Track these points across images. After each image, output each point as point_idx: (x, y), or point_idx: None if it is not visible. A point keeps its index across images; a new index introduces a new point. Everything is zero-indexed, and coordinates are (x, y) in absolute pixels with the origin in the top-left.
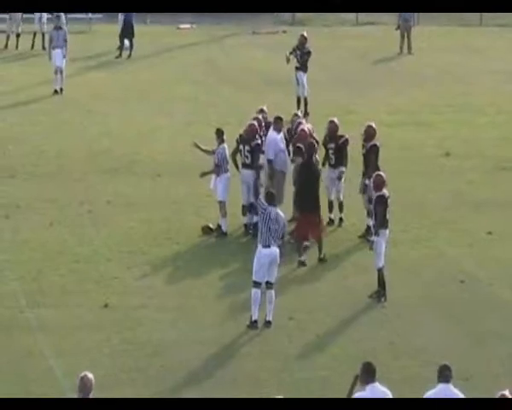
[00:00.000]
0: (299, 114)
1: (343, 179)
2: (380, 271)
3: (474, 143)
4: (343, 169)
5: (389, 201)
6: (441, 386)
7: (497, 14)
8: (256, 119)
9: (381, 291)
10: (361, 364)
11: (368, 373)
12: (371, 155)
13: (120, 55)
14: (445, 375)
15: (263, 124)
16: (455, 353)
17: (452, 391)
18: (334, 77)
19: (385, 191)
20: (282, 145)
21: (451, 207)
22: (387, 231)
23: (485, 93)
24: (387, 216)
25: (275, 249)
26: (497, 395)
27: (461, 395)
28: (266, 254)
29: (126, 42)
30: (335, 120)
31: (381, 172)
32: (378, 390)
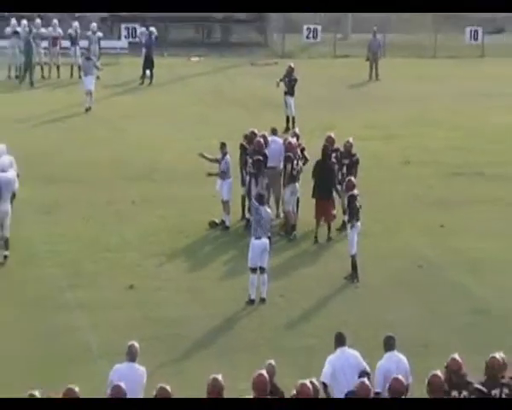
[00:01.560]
0: (297, 131)
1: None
2: (353, 257)
3: (430, 153)
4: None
5: (358, 198)
6: (388, 354)
7: (448, 48)
8: (263, 136)
9: (353, 274)
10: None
11: (339, 340)
12: (356, 165)
13: (143, 82)
14: (389, 344)
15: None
16: (416, 324)
17: (398, 356)
18: (316, 99)
19: (355, 191)
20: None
21: (412, 206)
22: (359, 224)
23: (438, 111)
24: (358, 211)
25: (265, 240)
26: (448, 360)
27: (404, 359)
28: (258, 245)
29: (148, 72)
30: (351, 139)
31: (352, 177)
32: (348, 352)
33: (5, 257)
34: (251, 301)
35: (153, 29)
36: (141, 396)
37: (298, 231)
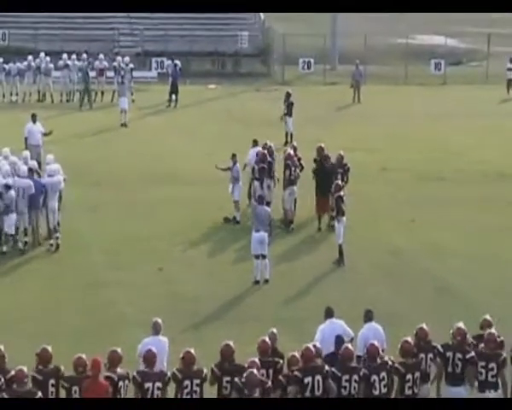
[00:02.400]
0: (295, 144)
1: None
2: (340, 246)
3: (403, 162)
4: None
5: (344, 198)
6: (368, 324)
7: (417, 76)
8: (265, 148)
9: (340, 259)
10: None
11: (328, 313)
12: (347, 173)
13: (169, 105)
14: (368, 316)
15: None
16: (390, 300)
17: (375, 326)
18: (309, 118)
19: (341, 193)
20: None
21: (388, 204)
22: (344, 218)
23: (409, 129)
24: (343, 208)
25: (263, 233)
26: (417, 328)
27: (380, 329)
28: (256, 237)
29: (173, 96)
30: (342, 152)
31: (339, 182)
32: (335, 323)
33: (57, 245)
34: (256, 282)
35: (177, 62)
36: (165, 361)
37: (294, 225)
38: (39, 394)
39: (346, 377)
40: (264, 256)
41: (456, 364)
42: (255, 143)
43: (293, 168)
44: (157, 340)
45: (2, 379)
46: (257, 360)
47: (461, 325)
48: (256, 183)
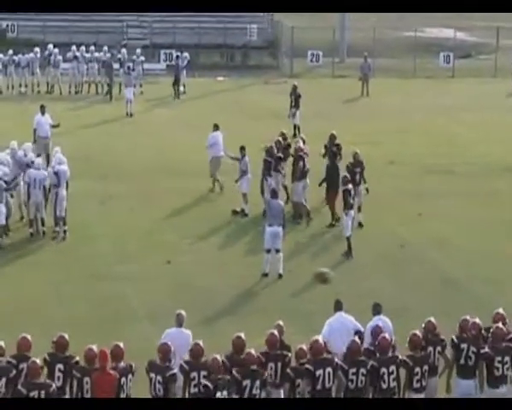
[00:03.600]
0: (303, 136)
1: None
2: (347, 238)
3: (410, 156)
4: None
5: (351, 192)
6: (376, 317)
7: (425, 70)
8: (277, 141)
9: (348, 252)
10: (334, 300)
11: (337, 306)
12: (363, 171)
13: (176, 96)
14: (377, 310)
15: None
16: (397, 293)
17: (383, 319)
18: (317, 111)
19: (349, 186)
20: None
21: (394, 197)
22: (352, 212)
23: (418, 121)
24: (351, 202)
25: (276, 228)
26: (425, 321)
27: (389, 322)
28: (270, 231)
29: (176, 88)
30: (358, 151)
31: (346, 174)
32: (344, 316)
33: (65, 232)
34: (265, 275)
35: (186, 54)
36: (187, 354)
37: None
38: (53, 386)
39: (353, 370)
40: (277, 250)
41: (469, 356)
42: (216, 127)
43: (306, 159)
44: (180, 332)
45: (14, 371)
46: (253, 351)
47: (476, 319)
48: (268, 178)
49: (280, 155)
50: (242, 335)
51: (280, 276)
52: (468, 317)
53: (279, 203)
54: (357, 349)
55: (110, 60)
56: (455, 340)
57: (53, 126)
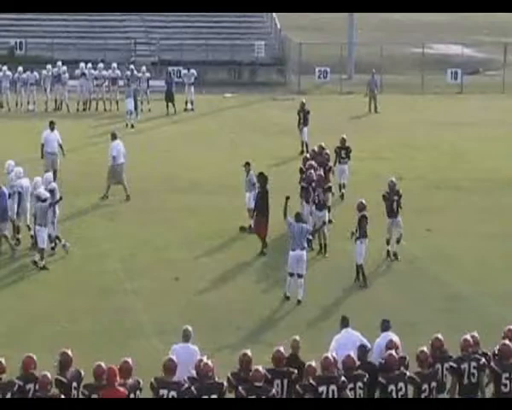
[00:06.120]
0: (323, 144)
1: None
2: (359, 266)
3: (417, 171)
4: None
5: (367, 219)
6: (384, 334)
7: (433, 86)
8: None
9: (357, 278)
10: (341, 316)
11: (343, 322)
12: (401, 199)
13: (167, 113)
14: (385, 326)
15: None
16: (404, 309)
17: (392, 336)
18: (325, 127)
19: (365, 212)
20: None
21: (404, 213)
22: (367, 241)
23: (426, 137)
24: (366, 229)
25: (299, 252)
26: (433, 338)
27: (396, 338)
28: (292, 255)
29: (170, 104)
30: (394, 179)
31: (363, 200)
32: (350, 332)
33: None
34: (286, 298)
35: (193, 71)
36: (193, 369)
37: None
38: (62, 397)
39: (351, 385)
40: (299, 275)
41: (472, 373)
42: (114, 136)
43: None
44: (186, 347)
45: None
46: (260, 368)
47: (474, 333)
48: (305, 204)
49: (303, 184)
50: (249, 352)
51: (298, 302)
52: (467, 336)
53: (302, 227)
54: (352, 364)
55: (134, 79)
56: (454, 365)
57: (60, 147)
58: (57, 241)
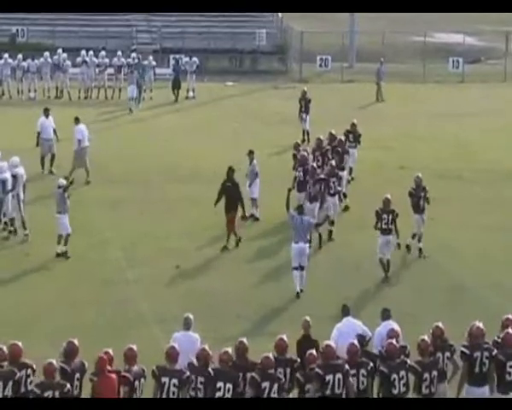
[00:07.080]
0: (333, 131)
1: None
2: (380, 260)
3: (420, 160)
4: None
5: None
6: (385, 323)
7: (435, 75)
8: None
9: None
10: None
11: (344, 311)
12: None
13: (176, 100)
14: (385, 315)
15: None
16: (406, 298)
17: (392, 325)
18: (327, 117)
19: (384, 216)
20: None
21: (405, 202)
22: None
23: (428, 126)
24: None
25: (302, 244)
26: (433, 327)
27: (396, 326)
28: (295, 248)
29: (176, 91)
30: (420, 175)
31: (388, 195)
32: (351, 321)
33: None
34: (297, 295)
35: (195, 59)
36: (194, 357)
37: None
38: (68, 386)
39: (353, 371)
40: (302, 267)
41: (483, 363)
42: (77, 120)
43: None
44: (187, 335)
45: (22, 372)
46: (271, 355)
47: (480, 324)
48: (297, 193)
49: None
50: (244, 339)
51: (301, 291)
52: (477, 322)
53: (304, 219)
54: (356, 351)
55: (138, 65)
56: (466, 352)
57: (55, 132)
58: (10, 224)
